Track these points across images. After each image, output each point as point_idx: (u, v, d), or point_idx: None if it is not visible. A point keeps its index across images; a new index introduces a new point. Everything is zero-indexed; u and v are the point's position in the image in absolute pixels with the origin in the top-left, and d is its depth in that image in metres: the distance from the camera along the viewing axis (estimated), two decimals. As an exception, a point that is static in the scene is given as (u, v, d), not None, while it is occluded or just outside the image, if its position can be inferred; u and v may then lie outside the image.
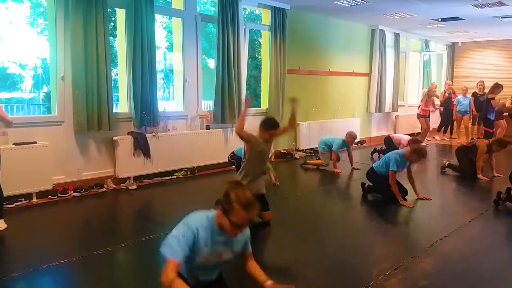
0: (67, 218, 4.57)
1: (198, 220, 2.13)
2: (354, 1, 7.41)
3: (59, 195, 5.05)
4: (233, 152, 6.12)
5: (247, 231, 2.32)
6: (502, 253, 3.63)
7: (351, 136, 7.00)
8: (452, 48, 13.11)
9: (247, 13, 12.18)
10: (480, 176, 6.44)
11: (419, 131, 10.60)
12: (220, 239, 2.17)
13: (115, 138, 5.60)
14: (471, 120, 10.42)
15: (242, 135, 3.84)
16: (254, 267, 2.38)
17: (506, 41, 12.02)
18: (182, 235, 2.06)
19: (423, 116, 9.87)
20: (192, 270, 2.19)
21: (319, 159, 7.23)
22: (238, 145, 5.69)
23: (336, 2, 7.43)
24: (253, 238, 3.84)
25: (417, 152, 5.04)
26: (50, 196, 4.99)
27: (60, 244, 3.74)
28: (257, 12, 10.16)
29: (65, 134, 5.27)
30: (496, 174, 6.54)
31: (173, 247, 2.02)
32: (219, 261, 2.25)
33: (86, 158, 5.46)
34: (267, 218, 4.18)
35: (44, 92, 13.68)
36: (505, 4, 7.38)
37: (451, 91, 11.03)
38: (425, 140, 10.09)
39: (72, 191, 5.16)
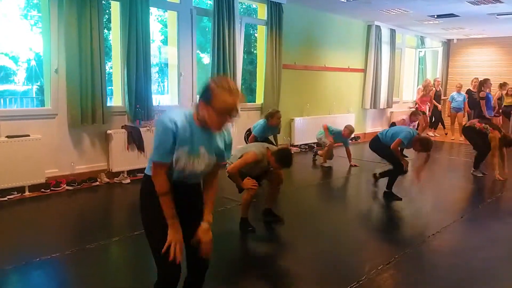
0: (59, 211, 4.55)
1: (175, 115, 1.91)
2: (350, -3, 7.40)
3: (52, 188, 5.02)
4: (249, 129, 6.05)
5: (230, 135, 2.12)
6: (494, 250, 3.66)
7: (348, 129, 6.99)
8: (448, 45, 13.13)
9: (243, 7, 12.12)
10: (497, 175, 6.14)
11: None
12: (200, 136, 1.94)
13: (109, 131, 5.57)
14: (465, 117, 10.46)
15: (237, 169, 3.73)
16: (210, 187, 2.11)
17: (502, 39, 12.05)
18: (162, 133, 1.87)
19: (421, 113, 9.87)
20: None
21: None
22: (236, 139, 5.66)
23: (332, -3, 7.41)
24: (246, 233, 3.87)
25: (422, 142, 4.86)
26: (42, 190, 4.97)
27: (52, 237, 3.74)
28: (254, 6, 10.10)
29: (58, 127, 5.23)
30: (506, 171, 6.25)
31: (157, 150, 1.88)
32: (200, 166, 1.98)
33: (79, 151, 5.43)
34: (278, 179, 3.99)
35: (37, 85, 13.57)
36: (500, 1, 7.40)
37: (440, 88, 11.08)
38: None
39: (65, 185, 5.13)
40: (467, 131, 6.67)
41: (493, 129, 6.21)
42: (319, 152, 7.22)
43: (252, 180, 3.69)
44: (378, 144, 5.23)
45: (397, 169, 5.05)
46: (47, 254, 3.26)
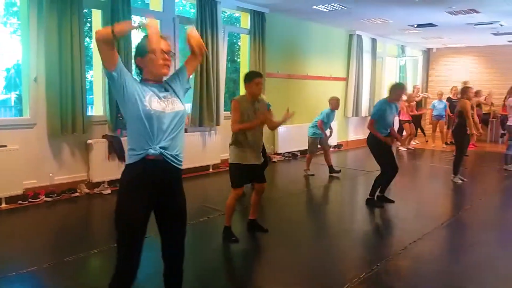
0: (37, 223, 4.44)
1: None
2: (332, 6, 7.49)
3: (30, 200, 4.91)
4: None
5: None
6: (474, 255, 3.70)
7: (334, 99, 6.75)
8: (428, 54, 13.40)
9: (226, 16, 12.17)
10: (474, 132, 6.29)
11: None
12: (156, 89, 2.06)
13: (89, 141, 5.49)
14: (447, 124, 10.63)
15: (236, 122, 3.69)
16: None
17: (479, 48, 12.36)
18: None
19: (407, 121, 10.00)
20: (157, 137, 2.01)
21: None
22: (219, 147, 5.59)
23: (314, 6, 7.49)
24: (228, 243, 3.84)
25: (392, 88, 4.96)
26: (20, 201, 4.85)
27: (29, 250, 3.64)
28: (237, 15, 10.16)
29: (37, 137, 5.13)
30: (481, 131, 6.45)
31: None
32: (173, 117, 2.05)
33: (58, 162, 5.33)
34: (260, 188, 3.96)
35: (16, 94, 13.31)
36: (477, 12, 7.59)
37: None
38: (410, 144, 10.24)
39: (44, 196, 5.02)
40: (454, 132, 6.68)
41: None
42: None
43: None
44: (371, 140, 5.14)
45: (384, 174, 5.07)
46: (24, 268, 3.17)
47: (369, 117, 5.22)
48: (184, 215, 2.21)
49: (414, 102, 10.45)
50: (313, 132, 6.82)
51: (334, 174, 6.83)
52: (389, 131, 5.06)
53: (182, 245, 2.21)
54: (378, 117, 4.94)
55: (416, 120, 11.02)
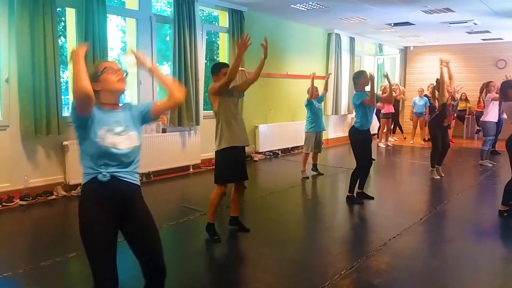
0: (12, 228, 4.32)
1: None
2: (310, 5, 7.52)
3: (3, 204, 4.77)
4: None
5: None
6: (452, 249, 3.77)
7: (312, 89, 6.62)
8: (405, 52, 13.61)
9: (204, 14, 12.08)
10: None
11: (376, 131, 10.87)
12: (113, 120, 2.01)
13: (65, 143, 5.36)
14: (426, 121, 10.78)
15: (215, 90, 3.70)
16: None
17: (454, 46, 12.61)
18: None
19: (385, 117, 10.10)
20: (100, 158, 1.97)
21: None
22: (199, 147, 5.55)
23: (292, 5, 7.50)
24: (211, 241, 3.81)
25: (355, 77, 5.04)
26: (-6, 205, 4.71)
27: (4, 256, 3.53)
28: (215, 13, 10.10)
29: (10, 139, 4.98)
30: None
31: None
32: (128, 141, 2.02)
33: (33, 164, 5.19)
34: (242, 185, 4.00)
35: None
36: (452, 11, 7.74)
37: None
38: (389, 140, 10.36)
39: (18, 199, 4.88)
40: (430, 127, 6.76)
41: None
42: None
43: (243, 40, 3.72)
44: (353, 133, 5.11)
45: (359, 168, 5.10)
46: (-3, 274, 3.07)
47: (352, 114, 5.21)
48: (154, 227, 2.15)
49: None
50: (309, 127, 6.69)
51: (316, 173, 6.83)
52: (371, 122, 5.10)
53: (162, 258, 2.14)
54: (360, 105, 4.91)
55: (394, 117, 11.18)
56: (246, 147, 3.91)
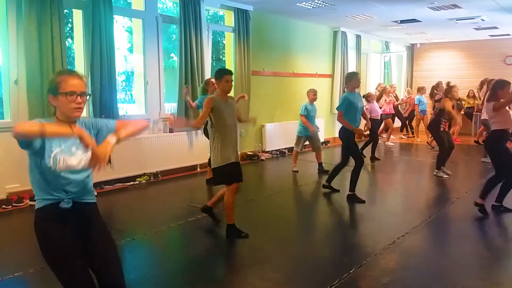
0: (22, 228, 4.35)
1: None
2: (316, 3, 7.50)
3: (13, 204, 4.81)
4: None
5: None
6: (461, 248, 3.74)
7: (310, 91, 6.82)
8: (411, 49, 13.52)
9: (210, 14, 12.10)
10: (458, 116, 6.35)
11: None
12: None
13: (73, 143, 5.39)
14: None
15: (203, 119, 3.71)
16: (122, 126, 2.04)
17: (462, 42, 12.52)
18: None
19: (389, 116, 10.04)
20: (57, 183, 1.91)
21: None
22: (206, 146, 5.56)
23: (298, 4, 7.49)
24: (219, 240, 3.82)
25: (348, 78, 5.17)
26: (4, 206, 4.76)
27: (15, 255, 3.57)
28: (221, 13, 10.11)
29: (19, 141, 5.02)
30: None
31: None
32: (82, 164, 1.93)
33: (43, 165, 5.22)
34: (237, 187, 3.94)
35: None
36: (459, 7, 7.67)
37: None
38: (390, 139, 10.30)
39: (28, 200, 4.92)
40: (430, 127, 6.74)
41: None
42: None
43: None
44: (342, 133, 5.19)
45: (340, 165, 5.26)
46: (9, 273, 3.11)
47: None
48: (112, 241, 2.10)
49: (392, 97, 10.49)
50: (299, 130, 6.90)
51: (321, 172, 6.82)
52: (359, 122, 5.12)
53: (121, 274, 2.05)
54: (345, 108, 5.01)
55: (401, 117, 11.12)
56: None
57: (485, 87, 7.83)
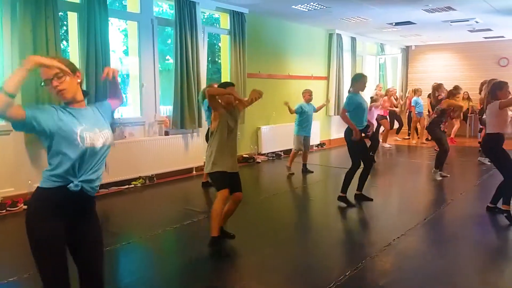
0: (16, 232, 4.31)
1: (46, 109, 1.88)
2: (311, 6, 7.52)
3: (7, 208, 4.78)
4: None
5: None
6: (457, 249, 3.75)
7: (305, 92, 6.88)
8: (406, 51, 13.58)
9: (205, 16, 12.10)
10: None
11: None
12: (87, 118, 1.95)
13: (68, 146, 5.36)
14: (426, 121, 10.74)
15: (213, 99, 3.62)
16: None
17: (456, 44, 12.59)
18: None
19: (384, 117, 10.06)
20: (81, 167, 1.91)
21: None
22: (202, 149, 5.53)
23: (294, 6, 7.50)
24: (215, 243, 3.80)
25: (354, 79, 5.18)
26: (-2, 210, 4.72)
27: (9, 260, 3.55)
28: (216, 15, 10.12)
29: (14, 144, 4.99)
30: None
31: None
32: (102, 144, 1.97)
33: (37, 169, 5.19)
34: (238, 198, 3.85)
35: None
36: (454, 9, 7.72)
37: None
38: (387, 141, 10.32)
39: (22, 204, 4.88)
40: (429, 128, 6.73)
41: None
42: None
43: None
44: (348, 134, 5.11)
45: (353, 168, 5.11)
46: (3, 278, 3.08)
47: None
48: (101, 243, 2.10)
49: (392, 98, 10.52)
50: (296, 130, 6.90)
51: (304, 172, 6.90)
52: (365, 125, 5.11)
53: (102, 276, 2.08)
54: (353, 109, 4.96)
55: (399, 118, 11.14)
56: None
57: (485, 87, 7.81)
